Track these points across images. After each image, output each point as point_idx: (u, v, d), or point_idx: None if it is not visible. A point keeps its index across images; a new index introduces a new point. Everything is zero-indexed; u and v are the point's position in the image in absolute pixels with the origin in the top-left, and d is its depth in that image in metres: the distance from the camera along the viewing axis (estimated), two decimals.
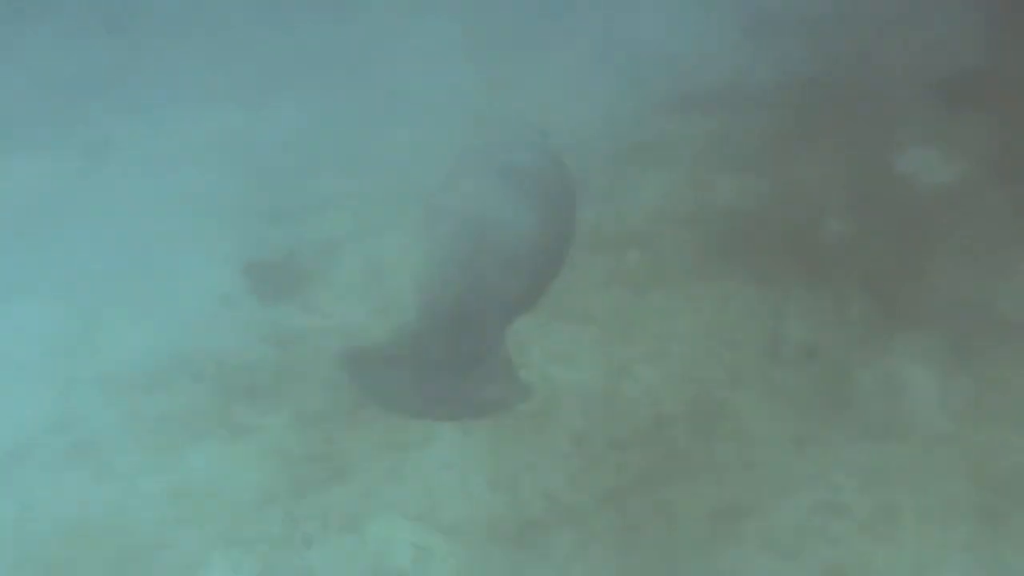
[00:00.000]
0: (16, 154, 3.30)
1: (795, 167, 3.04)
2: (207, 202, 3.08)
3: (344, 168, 3.19)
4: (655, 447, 2.25)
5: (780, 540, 2.07)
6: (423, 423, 2.34)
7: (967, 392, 2.30)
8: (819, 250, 2.72)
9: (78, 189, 3.18)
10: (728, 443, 2.24)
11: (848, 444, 2.21)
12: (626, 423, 2.31)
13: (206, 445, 2.33)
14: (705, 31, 3.73)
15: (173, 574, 2.11)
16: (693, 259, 2.72)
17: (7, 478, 2.28)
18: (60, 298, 2.74)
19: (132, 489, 2.25)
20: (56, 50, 3.88)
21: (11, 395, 2.46)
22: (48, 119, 3.48)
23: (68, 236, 2.97)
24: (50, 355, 2.58)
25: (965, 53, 3.53)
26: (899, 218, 2.79)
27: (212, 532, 2.15)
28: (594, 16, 3.87)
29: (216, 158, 3.27)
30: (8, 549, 2.15)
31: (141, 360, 2.55)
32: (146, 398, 2.45)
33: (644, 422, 2.31)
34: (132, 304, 2.72)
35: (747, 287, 2.62)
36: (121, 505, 2.22)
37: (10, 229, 2.98)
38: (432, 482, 2.22)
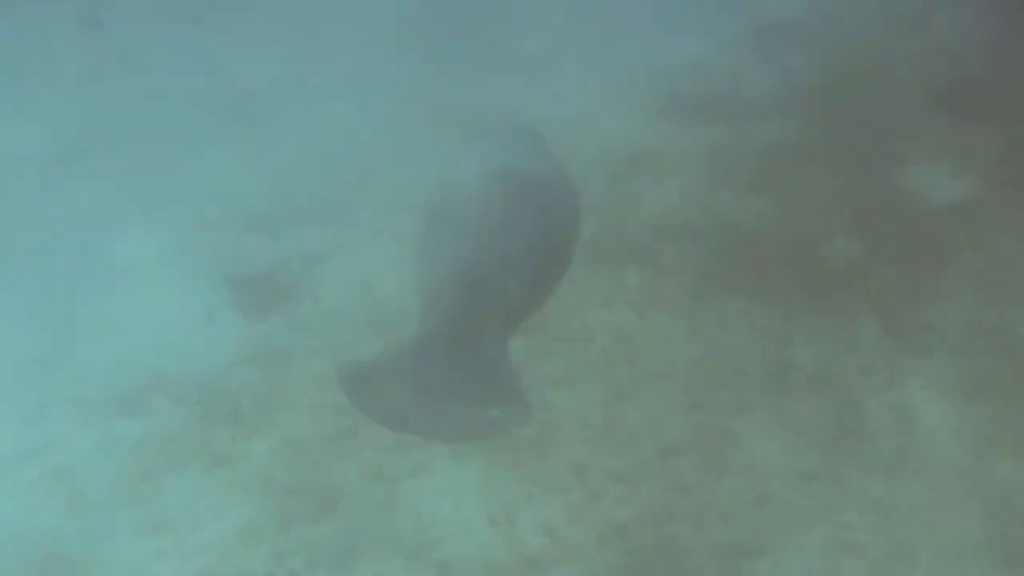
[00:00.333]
0: None
1: (798, 182, 2.98)
2: (187, 210, 2.98)
3: (330, 176, 3.11)
4: (658, 480, 2.19)
5: None
6: (415, 451, 2.25)
7: (982, 424, 2.25)
8: (826, 270, 2.66)
9: (48, 195, 3.08)
10: (735, 476, 2.18)
11: (859, 479, 2.15)
12: (628, 453, 2.24)
13: (186, 474, 2.24)
14: (703, 39, 3.68)
15: None
16: (695, 279, 2.66)
17: None
18: (30, 314, 2.64)
19: (108, 521, 2.15)
20: (29, 44, 3.77)
21: None
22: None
23: (38, 247, 2.86)
24: (20, 376, 2.48)
25: (971, 61, 3.50)
26: (907, 237, 2.74)
27: (192, 568, 2.07)
28: (591, 25, 3.80)
29: (196, 164, 3.18)
30: None
31: (117, 381, 2.45)
32: (123, 422, 2.36)
33: (646, 453, 2.24)
34: (107, 320, 2.63)
35: (751, 309, 2.56)
36: (97, 538, 2.12)
37: None
38: (426, 515, 2.14)
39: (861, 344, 2.45)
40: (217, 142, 3.26)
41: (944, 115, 3.22)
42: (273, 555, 2.09)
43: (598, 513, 2.13)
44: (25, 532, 2.13)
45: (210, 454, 2.28)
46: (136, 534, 2.12)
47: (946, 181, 2.94)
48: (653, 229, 2.82)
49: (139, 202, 3.02)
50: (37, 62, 3.74)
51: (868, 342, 2.45)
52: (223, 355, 2.52)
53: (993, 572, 1.99)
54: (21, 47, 3.81)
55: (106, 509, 2.17)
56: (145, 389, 2.43)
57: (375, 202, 2.98)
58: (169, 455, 2.28)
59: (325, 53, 3.71)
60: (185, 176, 3.12)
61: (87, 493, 2.21)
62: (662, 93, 3.40)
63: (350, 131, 3.29)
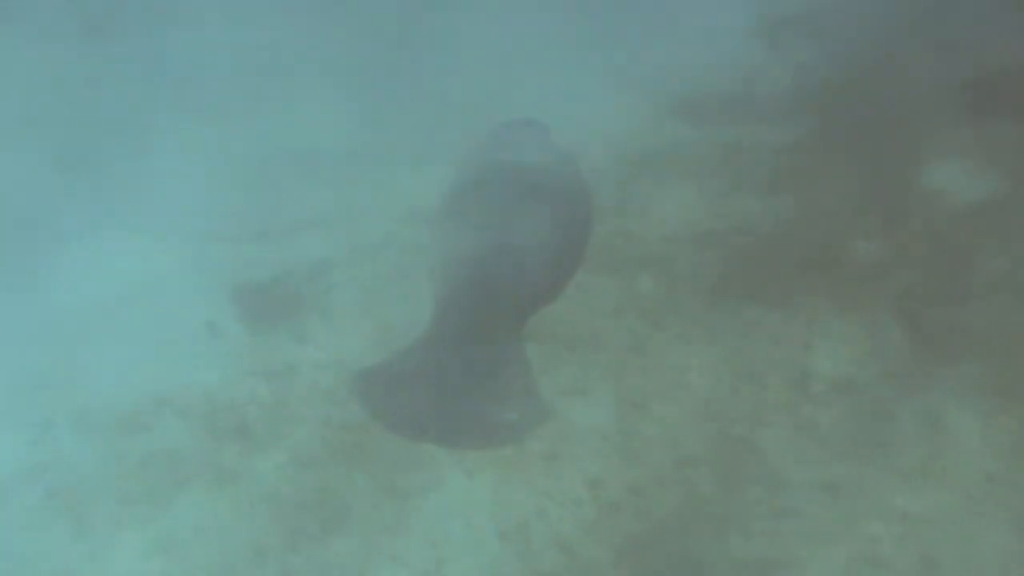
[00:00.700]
0: None
1: (816, 182, 2.96)
2: (188, 220, 2.98)
3: (336, 182, 3.10)
4: (676, 492, 2.17)
5: None
6: (426, 466, 2.25)
7: (1012, 431, 2.22)
8: (846, 274, 2.63)
9: (48, 205, 3.09)
10: (755, 488, 2.16)
11: (884, 489, 2.13)
12: (644, 465, 2.23)
13: (192, 492, 2.24)
14: (712, 34, 3.66)
15: None
16: (711, 284, 2.64)
17: None
18: (30, 329, 2.64)
19: (113, 542, 2.15)
20: (30, 55, 3.78)
21: None
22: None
23: (39, 259, 2.87)
24: (21, 393, 2.48)
25: (994, 53, 3.46)
26: (932, 238, 2.71)
27: None
28: (596, 20, 3.78)
29: (198, 171, 3.18)
30: None
31: (120, 397, 2.45)
32: (127, 439, 2.36)
33: (663, 464, 2.23)
34: (109, 334, 2.63)
35: (770, 315, 2.53)
36: (102, 560, 2.12)
37: None
38: (437, 532, 2.13)
39: (884, 350, 2.42)
40: (219, 149, 3.26)
41: (967, 110, 3.19)
42: (282, 574, 2.08)
43: (614, 527, 2.11)
44: (29, 555, 2.13)
45: (217, 471, 2.28)
46: (142, 554, 2.12)
47: (971, 179, 2.91)
48: (666, 234, 2.80)
49: (138, 212, 3.01)
50: (38, 68, 3.75)
51: (892, 347, 2.42)
52: (228, 369, 2.51)
53: None
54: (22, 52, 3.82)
55: (111, 529, 2.17)
56: (149, 404, 2.43)
57: (381, 208, 2.97)
58: (175, 473, 2.28)
59: (326, 53, 3.71)
60: (185, 185, 3.12)
61: (92, 513, 2.21)
62: (672, 91, 3.38)
63: (352, 133, 3.29)
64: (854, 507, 2.10)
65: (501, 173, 2.80)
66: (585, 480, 2.21)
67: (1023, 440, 2.20)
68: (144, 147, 3.30)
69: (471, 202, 2.73)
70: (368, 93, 3.48)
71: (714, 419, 2.31)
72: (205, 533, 2.16)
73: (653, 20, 3.75)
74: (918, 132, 3.13)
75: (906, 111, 3.24)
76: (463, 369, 2.37)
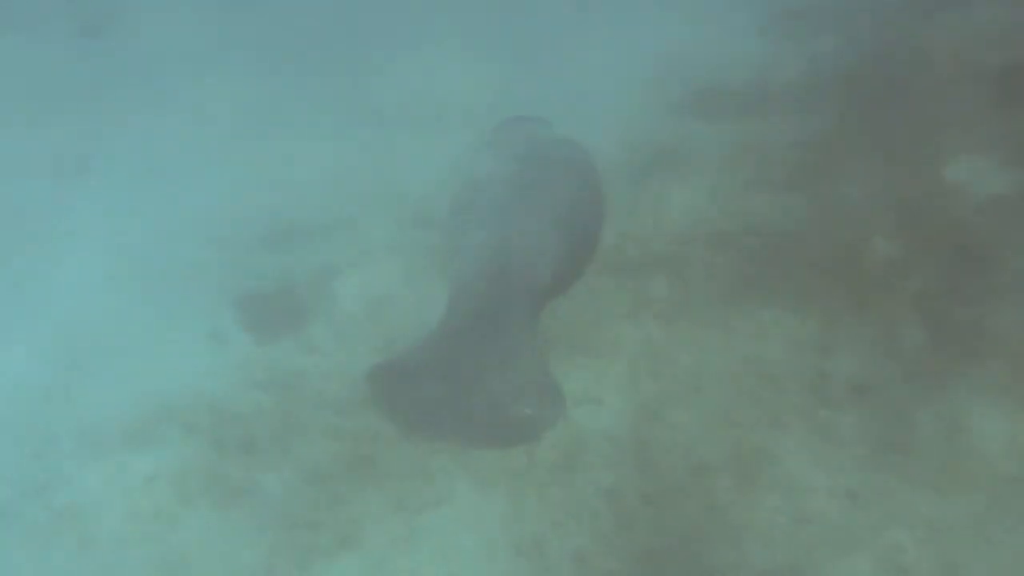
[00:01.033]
0: None
1: (833, 179, 2.94)
2: (192, 227, 3.00)
3: (339, 187, 3.11)
4: (693, 501, 2.17)
5: None
6: (437, 479, 2.25)
7: None
8: (865, 273, 2.62)
9: (50, 211, 3.11)
10: (773, 495, 2.16)
11: (907, 495, 2.12)
12: (660, 474, 2.23)
13: (199, 509, 2.25)
14: (725, 26, 3.64)
15: None
16: (725, 286, 2.63)
17: None
18: (32, 342, 2.66)
19: (119, 560, 2.17)
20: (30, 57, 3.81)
21: None
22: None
23: (41, 268, 2.89)
24: (24, 408, 2.50)
25: (1017, 43, 3.43)
26: (952, 235, 2.69)
27: None
28: (607, 14, 3.78)
29: (202, 178, 3.20)
30: None
31: (125, 411, 2.47)
32: (132, 456, 2.37)
33: (679, 473, 2.23)
34: (113, 346, 2.64)
35: (786, 317, 2.53)
36: None
37: None
38: (450, 547, 2.14)
39: (904, 351, 2.41)
40: (222, 155, 3.28)
41: (989, 102, 3.17)
42: None
43: (630, 538, 2.12)
44: (33, 574, 2.15)
45: (223, 487, 2.29)
46: (148, 574, 2.13)
47: (993, 173, 2.89)
48: (680, 234, 2.80)
49: (141, 218, 3.03)
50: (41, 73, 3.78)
51: (912, 348, 2.42)
52: (234, 380, 2.53)
53: None
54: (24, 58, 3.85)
55: (117, 548, 2.19)
56: (155, 419, 2.45)
57: (388, 213, 2.98)
58: (181, 490, 2.29)
59: (327, 53, 3.72)
60: (189, 191, 3.13)
61: (97, 531, 2.22)
62: (685, 85, 3.37)
63: (354, 134, 3.29)
64: (876, 513, 2.10)
65: (513, 165, 2.82)
66: (600, 491, 2.21)
67: None
68: (144, 148, 3.32)
69: (480, 198, 2.74)
70: (368, 93, 3.49)
71: (730, 425, 2.31)
72: (212, 551, 2.17)
73: (663, 12, 3.75)
74: (939, 125, 3.11)
75: (926, 103, 3.21)
76: (476, 363, 2.38)
